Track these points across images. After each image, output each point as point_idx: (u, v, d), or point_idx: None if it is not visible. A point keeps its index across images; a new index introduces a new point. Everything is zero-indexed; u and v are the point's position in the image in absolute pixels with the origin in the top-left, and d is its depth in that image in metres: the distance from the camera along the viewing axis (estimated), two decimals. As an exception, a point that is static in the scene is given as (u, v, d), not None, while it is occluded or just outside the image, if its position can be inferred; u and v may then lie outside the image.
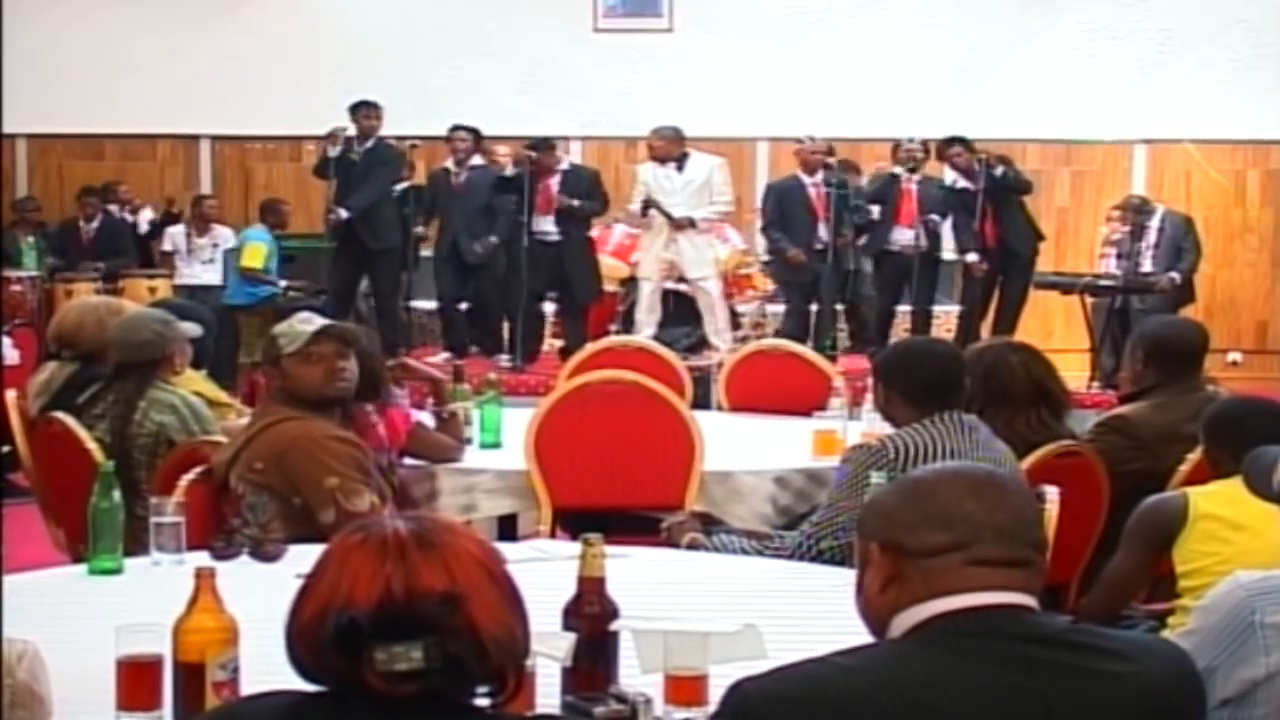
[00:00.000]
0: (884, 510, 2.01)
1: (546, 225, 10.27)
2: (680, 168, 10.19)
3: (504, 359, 10.29)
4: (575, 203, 10.17)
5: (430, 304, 11.36)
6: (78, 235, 12.10)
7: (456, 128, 10.71)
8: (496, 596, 1.80)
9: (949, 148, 10.58)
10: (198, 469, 4.02)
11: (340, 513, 3.70)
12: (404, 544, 1.79)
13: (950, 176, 10.83)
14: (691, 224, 10.18)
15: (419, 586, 1.75)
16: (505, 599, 1.81)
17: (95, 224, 12.16)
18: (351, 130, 10.33)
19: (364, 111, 10.38)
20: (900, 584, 1.93)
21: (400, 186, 10.76)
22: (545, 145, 10.36)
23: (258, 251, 11.12)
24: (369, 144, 10.40)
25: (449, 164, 10.73)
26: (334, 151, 10.24)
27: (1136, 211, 11.06)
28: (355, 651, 1.74)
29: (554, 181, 10.27)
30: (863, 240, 10.80)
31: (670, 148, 10.19)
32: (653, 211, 10.18)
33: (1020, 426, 4.35)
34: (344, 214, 10.18)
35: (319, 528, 3.64)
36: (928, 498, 1.96)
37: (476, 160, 10.72)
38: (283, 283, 11.26)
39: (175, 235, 11.91)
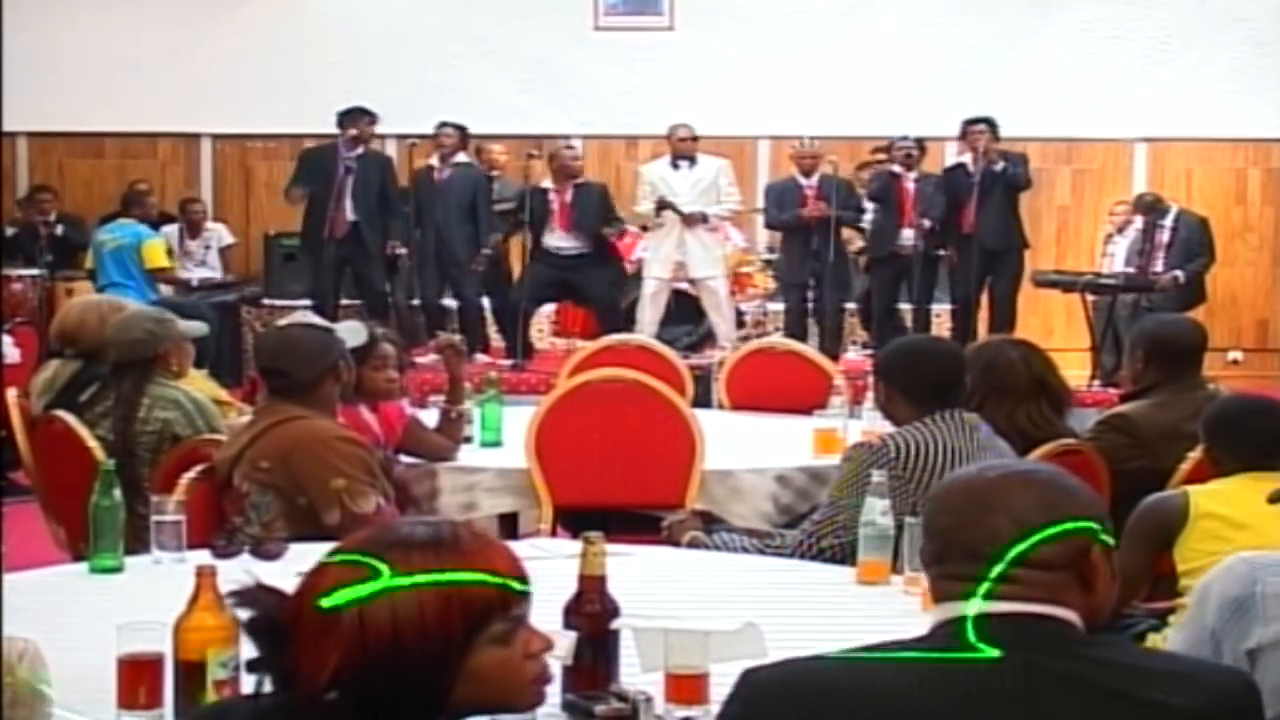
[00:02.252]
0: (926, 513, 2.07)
1: (561, 241, 10.28)
2: (691, 166, 10.24)
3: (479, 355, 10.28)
4: (608, 231, 10.29)
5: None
6: (37, 234, 11.93)
7: (443, 124, 10.71)
8: (329, 648, 1.73)
9: (973, 126, 10.48)
10: (199, 467, 4.02)
11: (345, 514, 3.70)
12: (307, 579, 1.81)
13: (952, 158, 10.81)
14: (704, 219, 10.20)
15: (264, 600, 1.79)
16: (353, 650, 1.73)
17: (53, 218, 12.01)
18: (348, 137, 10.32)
19: (366, 118, 10.34)
20: (927, 591, 2.01)
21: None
22: (567, 148, 10.46)
23: (159, 249, 10.48)
24: (359, 150, 10.37)
25: (432, 161, 10.71)
26: (350, 157, 10.21)
27: (1148, 210, 11.04)
28: None
29: (568, 198, 10.27)
30: (862, 242, 10.84)
31: (696, 145, 10.28)
32: (666, 211, 10.18)
33: (1021, 420, 4.35)
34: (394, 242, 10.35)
35: (323, 528, 3.64)
36: (930, 504, 2.01)
37: (461, 157, 10.72)
38: (195, 280, 11.05)
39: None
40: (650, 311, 10.38)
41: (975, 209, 10.32)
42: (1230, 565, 2.69)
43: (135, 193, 11.43)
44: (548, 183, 10.38)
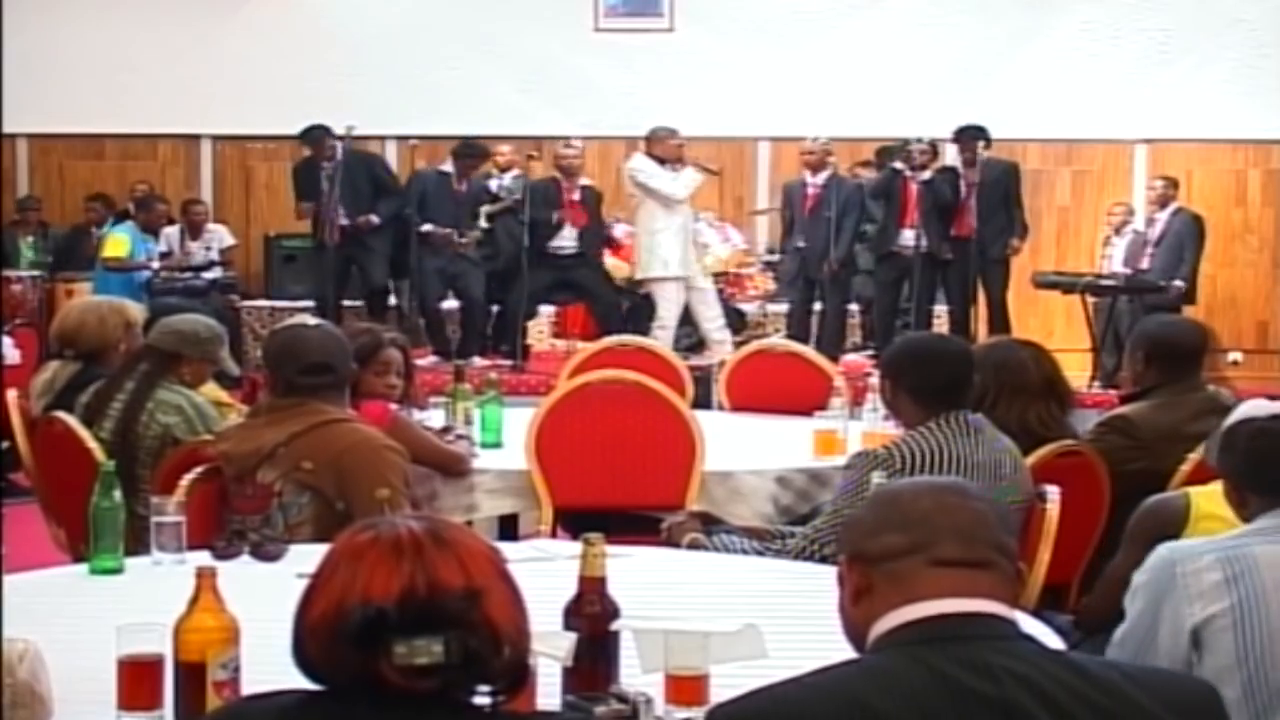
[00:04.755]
0: (851, 523, 2.07)
1: (566, 240, 10.27)
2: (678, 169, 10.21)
3: (478, 359, 10.28)
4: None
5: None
6: (89, 240, 12.05)
7: (469, 149, 10.69)
8: (508, 594, 1.84)
9: (964, 134, 10.53)
10: (200, 468, 4.00)
11: None
12: (420, 542, 1.81)
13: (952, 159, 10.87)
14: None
15: (441, 582, 1.78)
16: (515, 597, 1.85)
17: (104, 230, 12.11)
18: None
19: (324, 133, 10.42)
20: (870, 594, 1.93)
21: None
22: (566, 146, 10.46)
23: (119, 242, 10.80)
24: (335, 159, 10.41)
25: (446, 166, 10.73)
26: (329, 168, 10.30)
27: (1162, 200, 11.05)
28: (375, 645, 1.75)
29: (575, 197, 10.28)
30: (865, 242, 10.85)
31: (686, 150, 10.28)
32: (675, 203, 10.13)
33: (1031, 419, 4.35)
34: (375, 220, 10.37)
35: None
36: (888, 504, 2.00)
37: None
38: (155, 263, 11.04)
39: (170, 237, 11.89)
40: (674, 312, 10.28)
41: (969, 212, 10.35)
42: (1155, 555, 2.85)
43: (147, 197, 11.47)
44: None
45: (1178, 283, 10.65)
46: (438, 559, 1.79)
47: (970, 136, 10.43)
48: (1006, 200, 10.51)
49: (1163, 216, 11.03)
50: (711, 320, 10.38)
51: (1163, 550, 2.82)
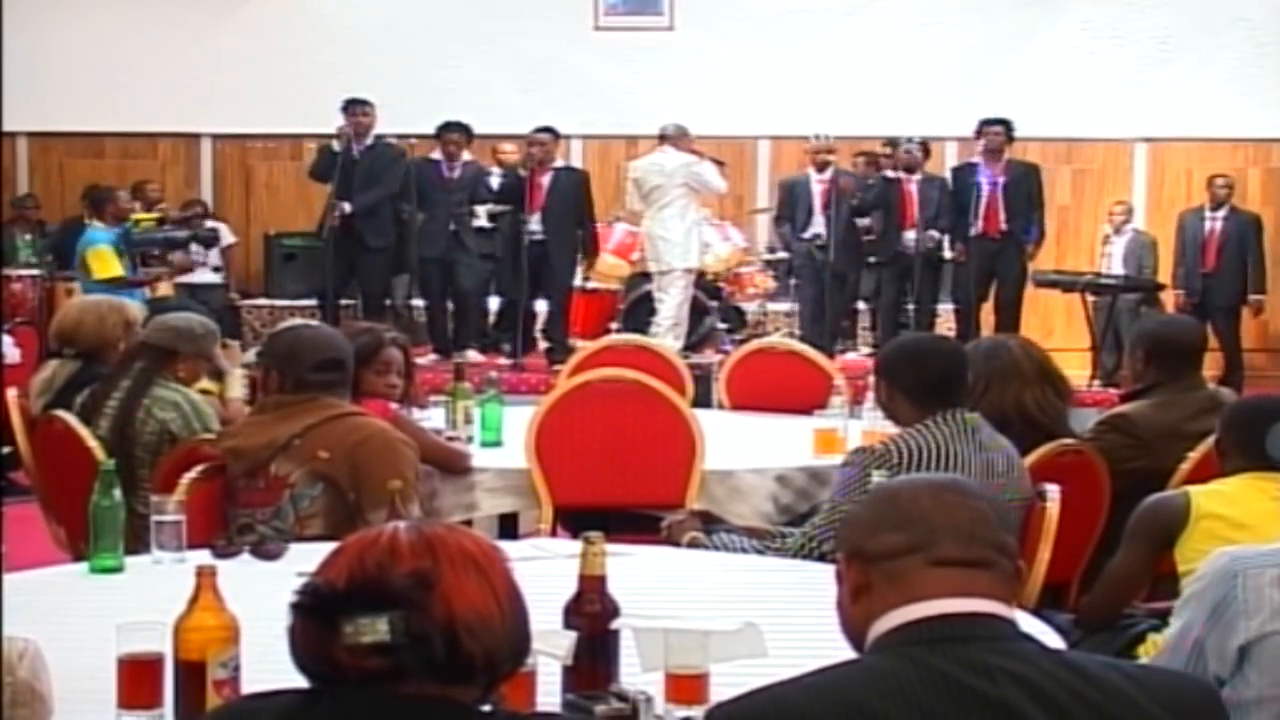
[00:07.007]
0: (850, 520, 2.04)
1: (534, 225, 10.30)
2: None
3: (472, 353, 10.29)
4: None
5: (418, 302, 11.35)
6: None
7: (447, 126, 10.68)
8: (479, 586, 1.78)
9: (990, 127, 10.55)
10: (200, 467, 4.01)
11: (392, 516, 3.68)
12: (396, 534, 1.81)
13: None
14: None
15: (390, 563, 1.76)
16: (491, 592, 1.79)
17: None
18: (345, 128, 10.35)
19: (358, 109, 10.35)
20: (869, 593, 1.92)
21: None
22: (551, 134, 10.43)
23: (105, 258, 9.48)
24: (368, 142, 10.41)
25: (434, 154, 10.71)
26: (339, 146, 10.26)
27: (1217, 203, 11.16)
28: (326, 623, 1.74)
29: (545, 180, 10.30)
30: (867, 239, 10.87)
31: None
32: (696, 192, 10.15)
33: (1028, 403, 4.32)
34: (347, 208, 10.16)
35: (358, 528, 3.60)
36: (887, 502, 1.98)
37: (466, 156, 10.75)
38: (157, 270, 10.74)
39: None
40: (684, 309, 10.26)
41: (995, 210, 10.35)
42: (1213, 560, 2.71)
43: (96, 187, 10.83)
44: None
45: (1255, 296, 11.08)
46: (402, 546, 1.78)
47: (992, 127, 10.45)
48: (1029, 202, 10.55)
49: (1219, 215, 11.10)
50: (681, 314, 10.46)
51: (1224, 559, 2.67)
